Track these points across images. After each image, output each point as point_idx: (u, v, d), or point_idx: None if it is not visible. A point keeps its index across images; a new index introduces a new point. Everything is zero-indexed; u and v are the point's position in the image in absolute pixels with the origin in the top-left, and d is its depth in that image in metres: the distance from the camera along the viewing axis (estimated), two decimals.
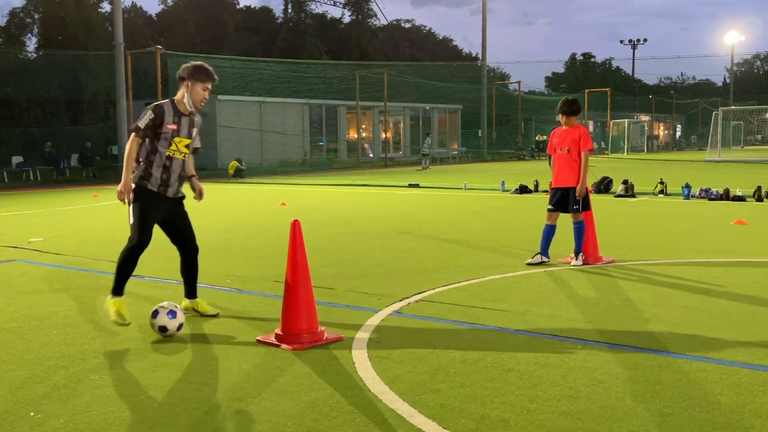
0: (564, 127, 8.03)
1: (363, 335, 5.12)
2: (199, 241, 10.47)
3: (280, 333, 4.97)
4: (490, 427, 3.51)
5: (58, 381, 4.27)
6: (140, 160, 5.47)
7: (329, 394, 3.98)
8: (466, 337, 5.09)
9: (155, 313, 5.13)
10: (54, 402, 3.93)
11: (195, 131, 5.67)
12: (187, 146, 5.60)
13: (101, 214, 14.57)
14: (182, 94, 5.56)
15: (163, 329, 5.10)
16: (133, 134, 5.40)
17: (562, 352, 4.68)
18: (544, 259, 7.88)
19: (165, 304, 5.22)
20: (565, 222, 8.03)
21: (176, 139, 5.49)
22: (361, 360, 4.55)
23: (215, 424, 3.60)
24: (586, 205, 7.92)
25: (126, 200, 5.45)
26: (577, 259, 7.82)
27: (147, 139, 5.44)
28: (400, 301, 6.19)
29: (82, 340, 5.15)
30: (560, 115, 8.01)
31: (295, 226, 4.95)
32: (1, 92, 39.21)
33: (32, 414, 3.76)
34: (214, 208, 15.74)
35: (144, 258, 8.67)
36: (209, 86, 5.65)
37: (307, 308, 4.93)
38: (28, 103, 38.94)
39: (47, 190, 22.81)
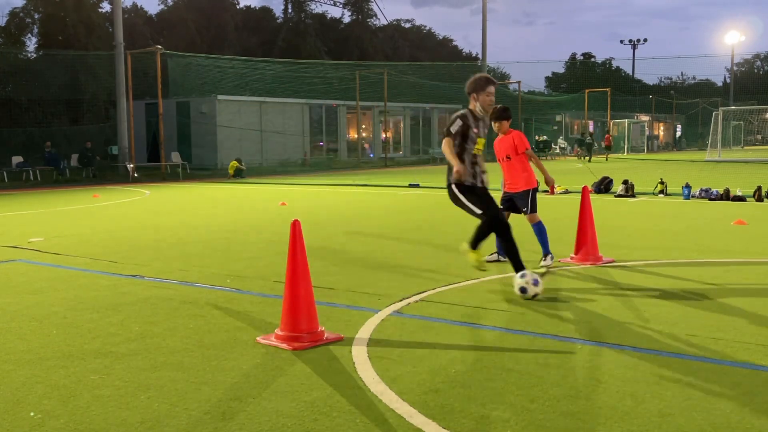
0: (500, 135, 8.03)
1: (363, 335, 5.12)
2: (200, 241, 10.51)
3: (280, 333, 4.97)
4: (490, 427, 3.50)
5: (58, 381, 4.27)
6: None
7: (329, 394, 3.98)
8: (466, 337, 5.09)
9: (524, 275, 6.16)
10: (54, 402, 3.93)
11: (485, 131, 6.86)
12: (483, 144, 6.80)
13: (101, 214, 14.57)
14: (473, 104, 6.71)
15: (523, 290, 6.11)
16: (447, 137, 6.65)
17: (562, 352, 4.68)
18: (501, 258, 7.93)
19: (528, 272, 6.23)
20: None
21: (479, 140, 6.69)
22: (361, 360, 4.55)
23: (215, 424, 3.60)
24: (534, 207, 7.87)
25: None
26: (546, 260, 7.76)
27: (457, 141, 6.62)
28: (400, 301, 6.19)
29: (82, 340, 5.15)
30: (493, 123, 7.86)
31: (295, 226, 4.95)
32: (1, 92, 39.19)
33: (32, 414, 3.76)
34: (214, 208, 15.74)
35: (144, 258, 8.71)
36: (491, 89, 6.66)
37: (307, 308, 4.93)
38: (28, 103, 38.93)
39: (47, 190, 22.80)
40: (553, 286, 6.76)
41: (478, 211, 6.69)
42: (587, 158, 39.65)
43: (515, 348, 4.80)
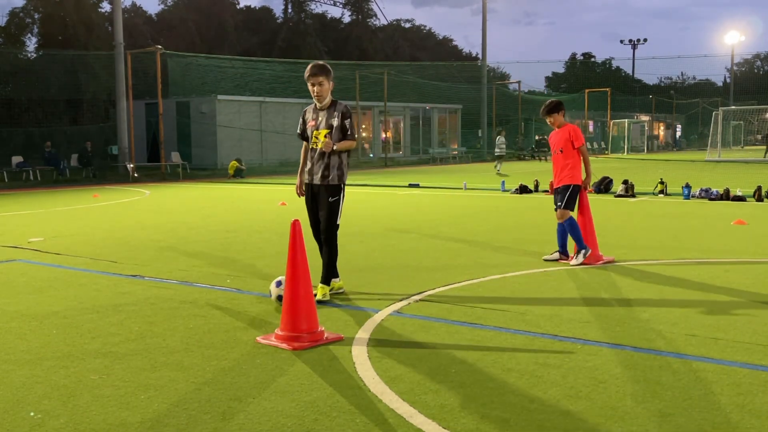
0: (555, 129, 8.20)
1: (363, 335, 5.12)
2: (200, 241, 10.51)
3: (280, 333, 4.97)
4: (490, 427, 3.50)
5: (58, 381, 4.27)
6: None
7: (329, 394, 3.98)
8: (466, 337, 5.09)
9: (279, 283, 5.88)
10: (54, 402, 3.93)
11: (335, 121, 6.23)
12: (326, 136, 6.21)
13: (101, 214, 14.57)
14: None
15: (279, 298, 5.83)
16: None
17: (562, 352, 4.68)
18: (562, 257, 8.03)
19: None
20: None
21: (315, 132, 6.30)
22: (361, 360, 4.55)
23: (215, 424, 3.60)
24: (569, 204, 7.93)
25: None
26: (577, 257, 7.84)
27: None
28: (400, 301, 6.19)
29: (82, 340, 5.15)
30: (546, 119, 8.19)
31: (295, 226, 4.95)
32: (1, 92, 39.20)
33: (32, 414, 3.76)
34: (214, 208, 15.74)
35: (144, 258, 8.71)
36: (312, 80, 6.15)
37: (307, 308, 4.93)
38: (28, 103, 38.94)
39: (47, 190, 22.80)
40: (553, 286, 6.77)
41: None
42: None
43: (515, 348, 4.80)
